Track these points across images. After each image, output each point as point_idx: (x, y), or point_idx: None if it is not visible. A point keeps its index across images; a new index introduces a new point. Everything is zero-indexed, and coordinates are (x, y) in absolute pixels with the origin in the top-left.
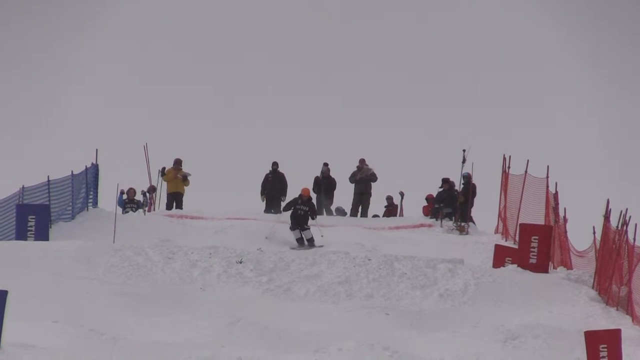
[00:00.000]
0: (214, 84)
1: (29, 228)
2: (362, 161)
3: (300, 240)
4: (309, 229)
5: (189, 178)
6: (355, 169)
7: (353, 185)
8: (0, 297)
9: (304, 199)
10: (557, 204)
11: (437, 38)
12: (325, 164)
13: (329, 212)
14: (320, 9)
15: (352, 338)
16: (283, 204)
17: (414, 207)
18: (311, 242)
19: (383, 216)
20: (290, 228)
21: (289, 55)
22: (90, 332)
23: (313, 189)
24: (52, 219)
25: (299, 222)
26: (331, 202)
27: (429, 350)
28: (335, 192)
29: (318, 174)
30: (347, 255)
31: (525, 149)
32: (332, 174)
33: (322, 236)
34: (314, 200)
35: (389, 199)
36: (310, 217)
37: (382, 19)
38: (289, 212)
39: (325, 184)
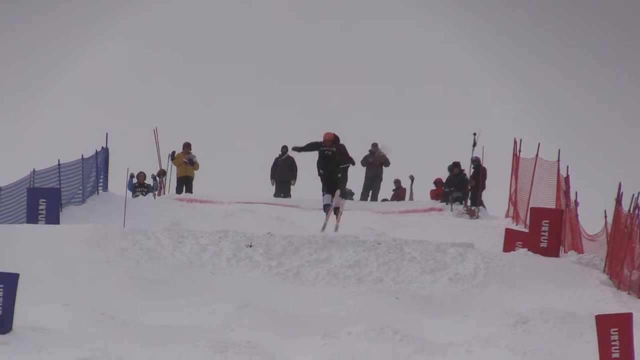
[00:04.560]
0: (225, 65)
1: (39, 211)
2: (374, 145)
3: (326, 207)
4: (339, 196)
5: (196, 161)
6: (368, 152)
7: (365, 169)
8: (11, 281)
9: (327, 144)
10: (568, 187)
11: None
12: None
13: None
14: None
15: (361, 322)
16: (305, 146)
17: (424, 191)
18: (337, 212)
19: (391, 199)
20: (323, 192)
21: (305, 41)
22: (101, 315)
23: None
24: (62, 203)
25: (328, 168)
26: (345, 183)
27: (438, 334)
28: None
29: None
30: (356, 239)
31: (536, 132)
32: None
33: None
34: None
35: (397, 182)
36: (339, 167)
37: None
38: (307, 150)
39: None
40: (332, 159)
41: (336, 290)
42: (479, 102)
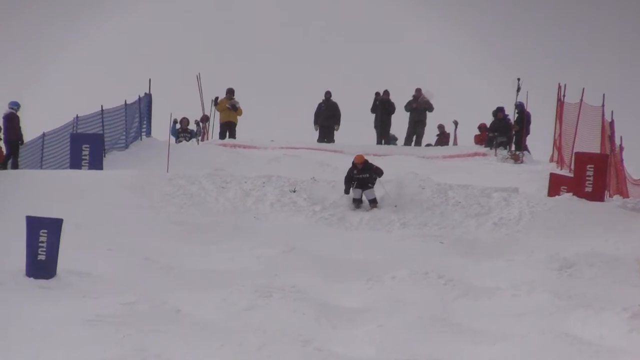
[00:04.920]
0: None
1: (83, 157)
2: (418, 90)
3: (357, 201)
4: (373, 187)
5: (239, 107)
6: (412, 98)
7: (408, 114)
8: (56, 226)
9: (358, 167)
10: (613, 132)
11: None
12: (385, 90)
13: (387, 138)
14: None
15: (405, 266)
16: (345, 185)
17: (468, 136)
18: (373, 202)
19: (435, 145)
20: (345, 191)
21: None
22: (144, 260)
23: (371, 110)
24: (105, 148)
25: (361, 186)
26: (389, 127)
27: (483, 278)
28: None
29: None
30: (400, 184)
31: (581, 77)
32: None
33: (395, 206)
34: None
35: (441, 127)
36: (373, 180)
37: None
38: (351, 187)
39: (383, 107)
40: (366, 180)
41: (380, 235)
42: (523, 46)
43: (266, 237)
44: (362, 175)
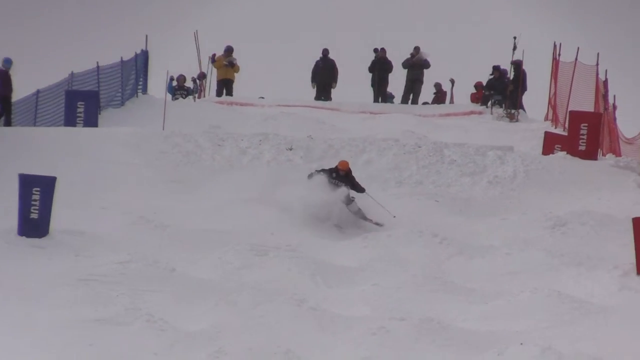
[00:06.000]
0: None
1: (78, 114)
2: (416, 48)
3: (337, 226)
4: (355, 200)
5: (237, 64)
6: (409, 56)
7: (405, 71)
8: (49, 184)
9: (340, 173)
10: (606, 91)
11: None
12: (382, 48)
13: (384, 96)
14: None
15: (401, 225)
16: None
17: (464, 95)
18: (359, 214)
19: (431, 103)
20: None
21: None
22: (139, 218)
23: (368, 69)
24: (101, 106)
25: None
26: (386, 85)
27: (478, 236)
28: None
29: (369, 61)
30: (397, 142)
31: (576, 36)
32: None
33: (394, 217)
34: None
35: (437, 85)
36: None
37: None
38: (317, 178)
39: (381, 66)
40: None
41: (376, 193)
42: (520, 5)
43: (262, 195)
44: (339, 182)
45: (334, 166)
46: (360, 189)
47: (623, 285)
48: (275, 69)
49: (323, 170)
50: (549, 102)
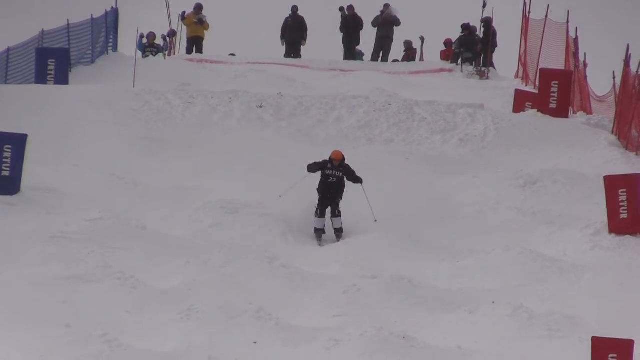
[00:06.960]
0: None
1: (48, 72)
2: (386, 6)
3: (319, 232)
4: (340, 215)
5: (206, 21)
6: (379, 13)
7: (375, 29)
8: (20, 142)
9: (335, 163)
10: (577, 49)
11: None
12: (350, 6)
13: (354, 54)
14: None
15: (372, 184)
16: (312, 166)
17: (434, 52)
18: (339, 232)
19: (401, 60)
20: (316, 214)
21: None
22: (110, 176)
23: (340, 29)
24: (71, 63)
25: (329, 193)
26: (357, 43)
27: (448, 193)
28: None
29: (339, 17)
30: (367, 99)
31: None
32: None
33: (375, 221)
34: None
35: (407, 43)
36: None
37: None
38: (315, 171)
39: (351, 23)
40: (338, 186)
41: (347, 151)
42: None
43: (234, 152)
44: (335, 172)
45: (327, 158)
46: (358, 179)
47: (595, 244)
48: (245, 26)
49: (316, 164)
50: (520, 60)
